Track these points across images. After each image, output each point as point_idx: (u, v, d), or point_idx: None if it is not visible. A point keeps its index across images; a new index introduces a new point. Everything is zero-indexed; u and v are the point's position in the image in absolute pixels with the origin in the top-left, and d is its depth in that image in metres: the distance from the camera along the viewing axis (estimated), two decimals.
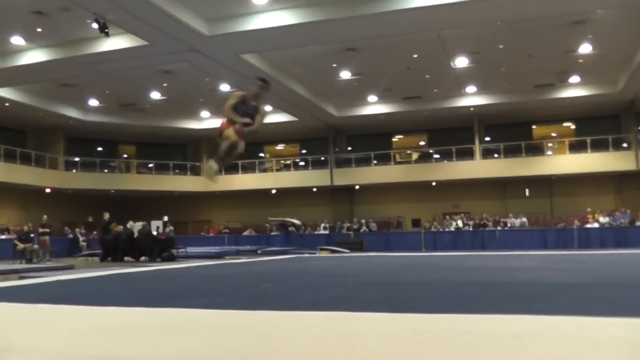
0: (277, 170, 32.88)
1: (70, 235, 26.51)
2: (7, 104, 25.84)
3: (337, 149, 31.71)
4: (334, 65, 22.67)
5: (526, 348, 2.78)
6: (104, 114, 29.39)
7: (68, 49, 20.22)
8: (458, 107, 27.51)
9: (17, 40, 19.97)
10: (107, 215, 19.75)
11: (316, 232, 27.79)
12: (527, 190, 28.36)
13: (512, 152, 28.34)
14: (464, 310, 4.00)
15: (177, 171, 33.11)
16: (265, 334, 3.31)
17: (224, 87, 24.92)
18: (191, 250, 20.43)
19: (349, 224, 28.05)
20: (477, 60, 21.97)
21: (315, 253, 21.02)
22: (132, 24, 17.48)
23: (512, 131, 29.25)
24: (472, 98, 27.06)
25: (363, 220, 27.82)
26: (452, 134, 29.84)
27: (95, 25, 17.08)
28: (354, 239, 25.24)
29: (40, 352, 3.29)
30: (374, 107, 28.37)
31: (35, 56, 20.71)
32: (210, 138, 32.33)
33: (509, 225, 25.49)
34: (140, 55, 20.06)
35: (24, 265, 15.34)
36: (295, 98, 25.34)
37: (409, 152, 31.42)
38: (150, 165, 32.86)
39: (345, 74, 23.65)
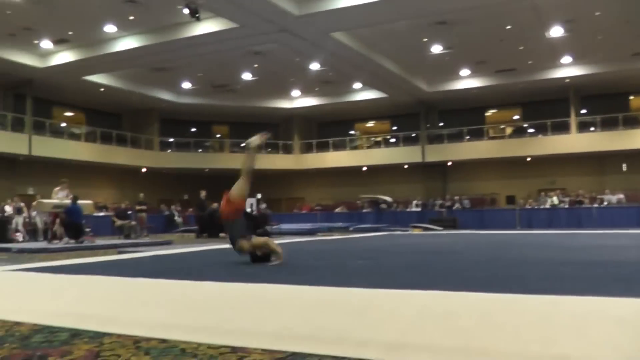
0: (368, 147, 32.79)
1: (166, 212, 27.41)
2: (102, 89, 27.04)
3: (428, 125, 31.27)
4: (425, 39, 22.30)
5: (628, 332, 2.69)
6: (196, 95, 30.21)
7: (160, 35, 20.87)
8: (553, 78, 26.50)
9: (110, 28, 20.78)
10: (203, 193, 20.27)
11: (408, 210, 27.62)
12: (624, 165, 27.11)
13: (609, 124, 27.07)
14: (563, 291, 3.90)
15: (269, 150, 33.57)
16: (360, 311, 3.33)
17: (314, 66, 25.02)
18: (284, 227, 20.72)
19: (441, 201, 27.73)
20: (572, 28, 21.06)
21: (407, 230, 20.93)
22: (223, 7, 17.78)
23: (608, 103, 27.90)
24: (567, 69, 26.02)
25: (456, 197, 27.43)
26: (547, 107, 28.79)
27: (186, 11, 17.50)
28: (447, 216, 24.96)
29: (138, 322, 3.44)
30: (466, 81, 27.76)
31: (128, 43, 21.51)
32: (301, 117, 32.70)
33: (605, 202, 24.53)
34: (231, 38, 20.38)
35: (123, 241, 15.94)
36: (385, 74, 25.14)
37: (502, 126, 30.58)
38: (243, 144, 33.28)
39: (437, 48, 23.20)
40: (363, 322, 3.08)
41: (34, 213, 18.31)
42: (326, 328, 2.99)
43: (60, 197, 14.97)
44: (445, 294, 3.71)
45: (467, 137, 29.68)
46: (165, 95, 29.49)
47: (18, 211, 19.17)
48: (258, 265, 6.87)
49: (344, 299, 3.76)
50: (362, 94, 29.79)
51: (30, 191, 23.96)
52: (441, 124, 31.68)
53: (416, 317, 3.12)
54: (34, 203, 17.06)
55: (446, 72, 26.61)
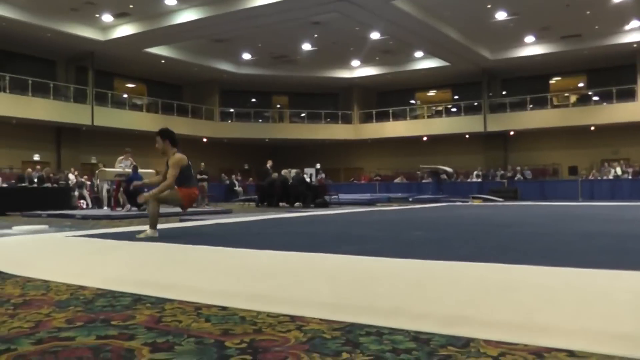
0: (429, 117, 32.45)
1: (227, 182, 27.78)
2: (162, 61, 27.53)
3: (490, 94, 30.69)
4: (489, 5, 21.82)
5: None
6: (256, 66, 30.41)
7: (220, 6, 21.03)
8: (619, 44, 25.52)
9: (170, 1, 21.10)
10: (270, 163, 20.51)
11: (468, 180, 27.29)
12: None
13: None
14: (625, 265, 3.80)
15: (328, 120, 33.61)
16: (418, 282, 3.32)
17: (374, 35, 24.81)
18: (343, 197, 20.76)
19: (502, 172, 27.29)
20: None
21: (467, 201, 20.71)
22: None
23: None
24: (634, 34, 24.97)
25: (517, 168, 26.95)
26: (613, 74, 27.80)
27: None
28: (508, 187, 24.55)
29: (198, 289, 3.51)
30: (530, 48, 27.06)
31: (188, 15, 21.81)
32: (360, 86, 32.54)
33: None
34: (291, 8, 20.38)
35: None
36: (447, 42, 24.73)
37: (566, 94, 29.78)
38: (303, 114, 33.54)
39: (501, 15, 22.69)
40: (421, 294, 3.07)
41: (97, 181, 18.81)
42: (384, 299, 2.99)
43: (123, 166, 15.35)
44: (504, 266, 3.66)
45: (530, 106, 29.04)
46: (226, 66, 29.79)
47: (79, 187, 19.66)
48: (316, 235, 6.91)
49: (401, 270, 3.76)
50: (423, 62, 29.43)
51: (93, 160, 24.66)
52: (504, 93, 31.09)
53: (474, 290, 3.09)
54: (97, 172, 17.52)
55: (510, 39, 26.02)
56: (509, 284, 3.18)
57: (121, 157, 15.52)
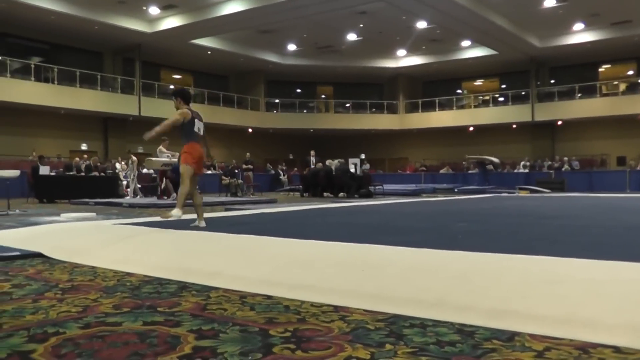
0: (475, 106, 32.07)
1: (272, 171, 27.95)
2: (209, 52, 27.85)
3: (538, 82, 30.18)
4: None
5: None
6: (301, 57, 30.50)
7: None
8: None
9: None
10: (312, 153, 20.63)
11: (515, 171, 26.88)
12: None
13: None
14: None
15: (373, 110, 33.51)
16: (462, 274, 3.30)
17: (421, 24, 24.61)
18: (388, 187, 20.67)
19: (549, 162, 26.82)
20: None
21: (514, 192, 20.44)
22: None
23: None
24: None
25: (565, 158, 26.45)
26: None
27: None
28: (555, 178, 24.10)
29: (243, 278, 3.55)
30: (579, 35, 26.47)
31: (234, 7, 21.95)
32: (406, 76, 32.34)
33: None
34: None
35: (230, 198, 16.45)
36: (495, 30, 24.37)
37: (615, 82, 29.07)
38: (348, 104, 33.51)
39: (550, 2, 22.25)
40: (465, 286, 3.06)
41: (144, 170, 19.10)
42: (427, 291, 2.99)
43: (164, 155, 15.56)
44: (550, 259, 3.60)
45: (579, 95, 28.50)
46: (271, 57, 29.96)
47: (125, 176, 19.95)
48: (360, 225, 6.92)
49: (445, 262, 3.73)
50: (471, 51, 29.10)
51: (140, 149, 25.03)
52: (552, 81, 30.52)
53: (519, 283, 3.06)
54: (145, 161, 17.82)
55: (559, 26, 25.52)
56: (554, 277, 3.13)
57: (160, 147, 15.75)
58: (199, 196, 6.99)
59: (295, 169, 29.03)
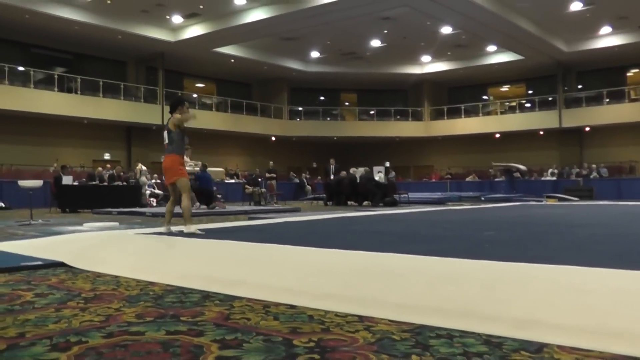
0: (502, 112, 31.87)
1: (296, 180, 27.98)
2: (232, 60, 28.01)
3: (566, 88, 29.92)
4: None
5: None
6: (325, 64, 30.56)
7: (289, 5, 21.22)
8: None
9: (239, 0, 21.39)
10: (332, 161, 20.64)
11: (542, 179, 26.64)
12: None
13: None
14: None
15: (398, 117, 33.46)
16: (489, 284, 3.27)
17: (446, 30, 24.57)
18: (413, 195, 20.60)
19: (577, 170, 26.55)
20: None
21: (541, 201, 20.27)
22: None
23: None
24: None
25: (593, 166, 26.16)
26: None
27: None
28: (583, 185, 23.86)
29: (266, 287, 3.56)
30: (607, 39, 26.20)
31: (258, 14, 22.08)
32: (431, 82, 32.26)
33: None
34: (360, 4, 20.40)
35: (253, 207, 16.52)
36: (521, 34, 24.21)
37: None
38: (372, 111, 33.49)
39: (576, 5, 22.09)
40: (492, 296, 3.04)
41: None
42: (454, 301, 2.97)
43: (192, 164, 15.67)
44: (578, 269, 3.56)
45: (607, 100, 28.19)
46: (294, 65, 30.06)
47: (150, 185, 20.10)
48: (385, 234, 6.90)
49: (472, 271, 3.71)
50: (496, 56, 28.94)
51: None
52: (579, 86, 30.25)
53: (547, 293, 3.03)
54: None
55: (586, 30, 25.32)
56: (583, 287, 3.10)
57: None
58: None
59: (319, 177, 29.07)
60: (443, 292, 3.17)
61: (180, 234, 6.70)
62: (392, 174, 24.60)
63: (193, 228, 6.76)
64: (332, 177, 20.07)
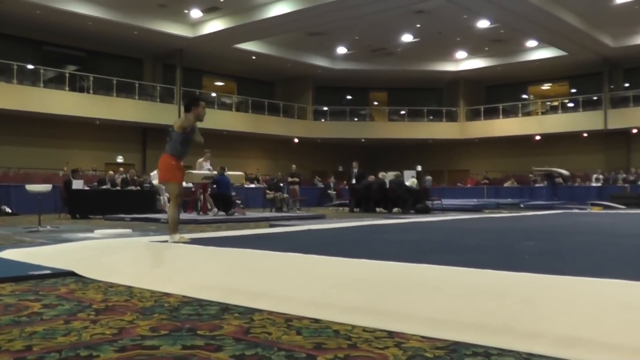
0: (543, 113, 31.62)
1: (321, 185, 27.94)
2: (254, 57, 28.06)
3: (612, 86, 29.59)
4: None
5: None
6: (353, 60, 30.47)
7: None
8: None
9: None
10: (355, 164, 20.54)
11: (587, 184, 26.41)
12: None
13: None
14: None
15: (431, 117, 33.32)
16: (530, 299, 3.24)
17: (483, 24, 24.43)
18: (447, 202, 20.51)
19: (624, 175, 26.24)
20: None
21: (585, 209, 20.08)
22: None
23: None
24: None
25: None
26: None
27: None
28: (631, 192, 23.57)
29: (289, 299, 3.55)
30: None
31: (281, 8, 22.04)
32: (467, 80, 32.06)
33: None
34: None
35: (274, 214, 16.54)
36: (564, 29, 23.98)
37: None
38: (403, 112, 33.37)
39: None
40: (532, 311, 3.00)
41: (184, 184, 19.29)
42: (491, 316, 2.94)
43: (210, 168, 15.71)
44: (626, 283, 3.52)
45: None
46: (320, 61, 30.01)
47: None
48: (416, 243, 6.87)
49: (511, 285, 3.68)
50: (538, 52, 28.69)
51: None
52: (626, 85, 29.90)
53: (592, 308, 2.99)
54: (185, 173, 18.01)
55: (634, 23, 25.03)
56: (631, 302, 3.06)
57: (201, 160, 15.84)
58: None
59: (345, 181, 29.07)
60: (480, 307, 3.14)
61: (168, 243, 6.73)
62: (428, 179, 24.51)
63: (177, 237, 6.78)
64: (353, 181, 19.98)
